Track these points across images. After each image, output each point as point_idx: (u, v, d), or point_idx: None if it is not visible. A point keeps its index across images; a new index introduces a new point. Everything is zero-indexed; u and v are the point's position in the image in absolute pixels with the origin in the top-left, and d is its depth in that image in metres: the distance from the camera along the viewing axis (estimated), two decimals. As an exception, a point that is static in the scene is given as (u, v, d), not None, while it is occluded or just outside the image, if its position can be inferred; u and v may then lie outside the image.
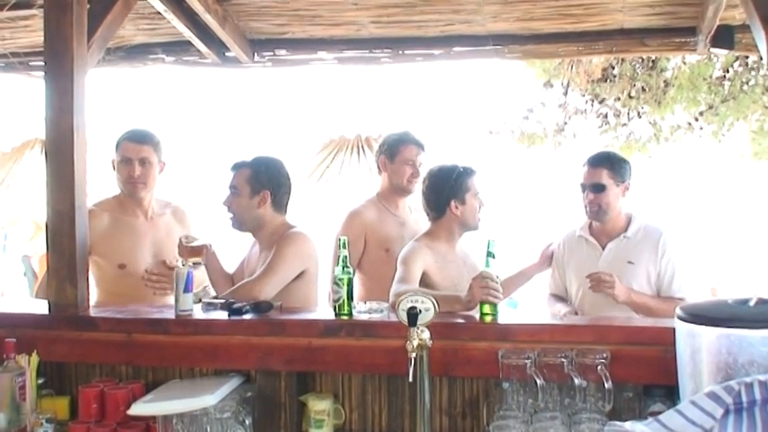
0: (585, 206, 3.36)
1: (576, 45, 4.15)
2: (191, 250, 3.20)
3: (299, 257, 3.09)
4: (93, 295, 3.33)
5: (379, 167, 3.70)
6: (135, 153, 3.34)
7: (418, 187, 3.41)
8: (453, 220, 3.17)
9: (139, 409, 2.45)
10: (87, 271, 2.95)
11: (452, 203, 3.14)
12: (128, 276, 3.31)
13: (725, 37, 3.87)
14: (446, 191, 3.16)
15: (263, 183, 3.16)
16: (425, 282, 3.00)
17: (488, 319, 2.55)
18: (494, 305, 2.55)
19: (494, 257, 2.58)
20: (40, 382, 2.67)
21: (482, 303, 2.56)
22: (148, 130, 3.47)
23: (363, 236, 3.53)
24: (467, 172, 3.18)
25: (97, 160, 3.60)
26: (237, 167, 3.21)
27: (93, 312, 2.88)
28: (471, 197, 3.16)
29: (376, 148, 3.89)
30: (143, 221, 3.43)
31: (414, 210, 3.63)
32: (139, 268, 3.34)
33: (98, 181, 3.45)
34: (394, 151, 3.60)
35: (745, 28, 3.58)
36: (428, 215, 3.24)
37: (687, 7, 3.72)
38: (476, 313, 2.60)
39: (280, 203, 3.21)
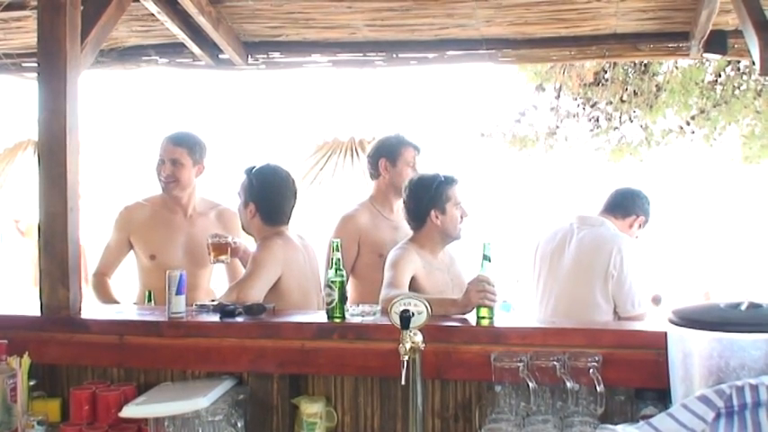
0: None
1: (569, 49, 4.15)
2: (213, 247, 3.28)
3: (273, 259, 3.06)
4: (136, 287, 3.55)
5: (378, 171, 3.62)
6: (167, 153, 3.49)
7: None
8: (434, 230, 3.13)
9: (131, 411, 2.45)
10: (80, 273, 2.94)
11: (432, 213, 3.10)
12: (158, 268, 3.35)
13: (718, 42, 3.87)
14: (426, 200, 3.11)
15: (248, 196, 3.19)
16: (413, 287, 2.98)
17: (485, 322, 2.55)
18: (491, 309, 2.55)
19: (489, 261, 2.58)
20: (31, 383, 2.66)
21: (479, 307, 2.56)
22: (192, 133, 3.59)
23: (357, 240, 3.50)
24: (447, 181, 3.13)
25: (90, 162, 3.60)
26: (244, 172, 3.24)
27: (85, 315, 2.87)
28: (452, 207, 3.11)
29: (369, 151, 3.84)
30: (180, 218, 3.55)
31: None
32: (170, 261, 3.37)
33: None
34: (395, 154, 3.57)
35: (737, 33, 3.58)
36: (409, 224, 3.21)
37: (680, 12, 3.72)
38: (471, 317, 2.60)
39: (268, 217, 3.19)
